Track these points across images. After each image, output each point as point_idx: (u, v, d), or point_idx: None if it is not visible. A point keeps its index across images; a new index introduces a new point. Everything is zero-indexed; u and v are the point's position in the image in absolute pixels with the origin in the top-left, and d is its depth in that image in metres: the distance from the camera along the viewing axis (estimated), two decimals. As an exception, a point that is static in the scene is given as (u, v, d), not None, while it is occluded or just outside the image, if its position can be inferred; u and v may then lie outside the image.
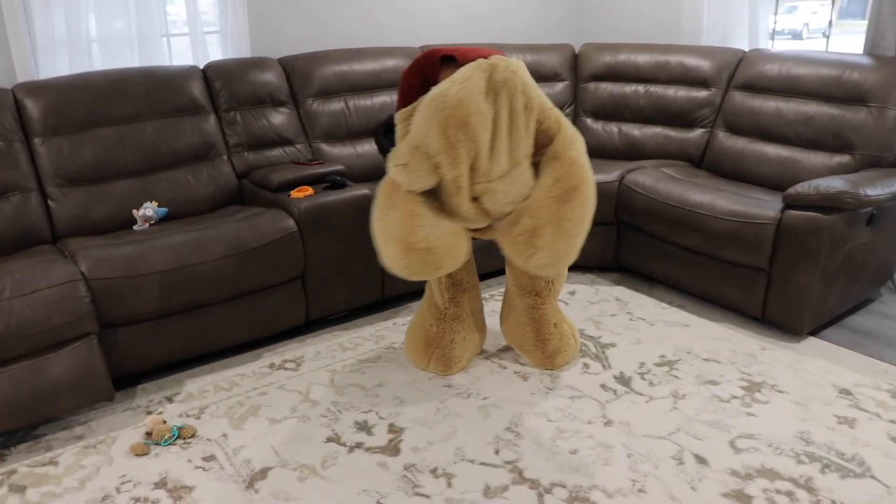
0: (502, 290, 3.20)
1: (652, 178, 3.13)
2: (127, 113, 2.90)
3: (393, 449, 2.12)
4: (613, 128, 3.75)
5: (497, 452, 2.09)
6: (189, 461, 2.09)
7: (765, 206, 2.72)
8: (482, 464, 2.04)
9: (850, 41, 4.25)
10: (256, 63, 3.25)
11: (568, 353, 2.57)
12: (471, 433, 2.19)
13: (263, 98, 3.20)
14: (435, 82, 2.20)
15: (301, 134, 3.29)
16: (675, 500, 1.88)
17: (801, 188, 2.57)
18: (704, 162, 3.49)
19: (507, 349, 2.71)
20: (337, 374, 2.56)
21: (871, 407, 2.26)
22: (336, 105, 3.38)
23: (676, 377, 2.47)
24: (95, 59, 3.04)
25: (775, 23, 3.83)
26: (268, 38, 3.48)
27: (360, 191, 2.84)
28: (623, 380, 2.47)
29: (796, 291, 2.63)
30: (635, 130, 3.68)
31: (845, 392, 2.36)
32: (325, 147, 3.32)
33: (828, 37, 3.73)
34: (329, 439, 2.18)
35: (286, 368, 2.61)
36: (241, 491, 1.95)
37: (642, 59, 3.71)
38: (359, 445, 2.15)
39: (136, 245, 2.45)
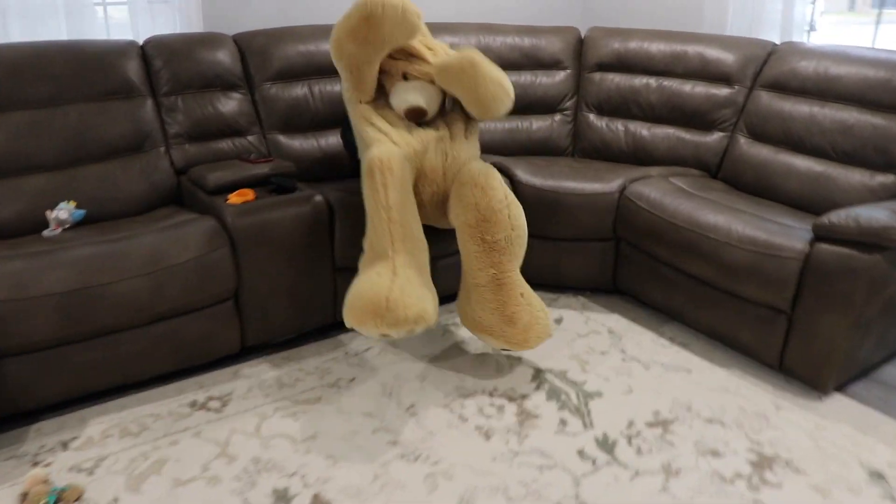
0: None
1: (658, 191, 2.67)
2: (45, 95, 2.48)
3: (311, 533, 1.73)
4: (619, 126, 3.28)
5: (438, 545, 1.69)
6: (60, 539, 1.70)
7: (791, 234, 2.26)
8: (417, 562, 1.64)
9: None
10: (206, 39, 2.81)
11: (540, 328, 2.32)
12: (410, 514, 1.79)
13: (211, 80, 2.77)
14: None
15: (255, 123, 2.86)
16: None
17: (837, 218, 2.11)
18: (722, 171, 3.02)
19: (472, 394, 2.29)
20: (266, 419, 2.15)
21: (909, 500, 1.83)
22: (298, 90, 2.93)
23: (671, 444, 2.05)
24: (12, 29, 2.61)
25: (813, 12, 3.32)
26: (223, 11, 3.03)
27: (311, 196, 2.41)
28: (606, 445, 2.04)
29: (822, 340, 2.18)
30: (644, 130, 3.21)
31: (877, 475, 1.92)
32: (282, 139, 2.89)
33: (810, 31, 3.22)
34: (237, 514, 1.79)
35: (209, 409, 2.21)
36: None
37: (656, 47, 3.22)
38: (271, 525, 1.75)
39: (31, 259, 2.05)
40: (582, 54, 3.42)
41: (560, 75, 3.40)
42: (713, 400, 2.25)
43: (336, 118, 2.98)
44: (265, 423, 2.13)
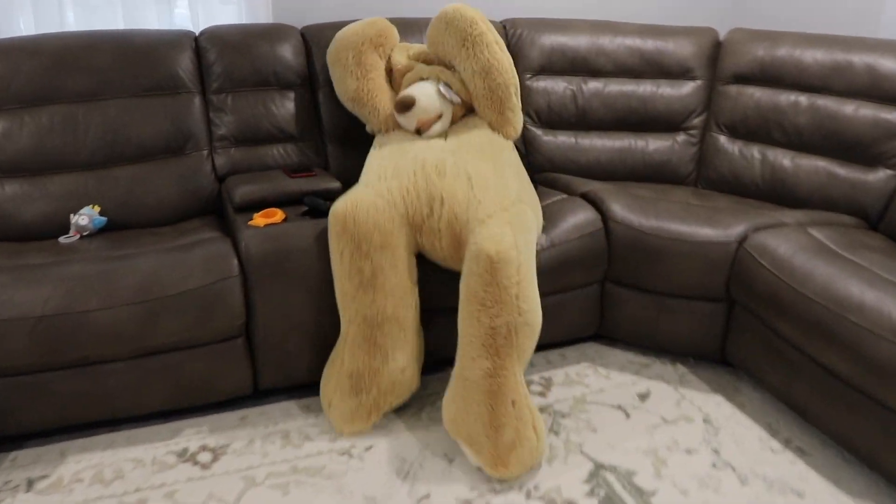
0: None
1: (789, 246, 2.05)
2: (86, 88, 2.29)
3: None
4: (755, 152, 2.64)
5: None
6: None
7: (968, 334, 1.60)
8: None
9: None
10: (269, 31, 2.52)
11: (525, 452, 1.81)
12: None
13: (267, 78, 2.47)
14: None
15: (312, 129, 2.53)
16: None
17: None
18: (884, 222, 2.32)
19: (505, 490, 1.82)
20: (253, 486, 1.82)
21: None
22: (366, 93, 2.57)
23: None
24: (68, 17, 2.44)
25: None
26: (295, 2, 2.72)
27: (343, 223, 2.04)
28: None
29: None
30: (786, 160, 2.56)
31: None
32: (342, 152, 2.54)
33: None
34: None
35: (196, 462, 1.90)
36: None
37: (811, 55, 2.55)
38: None
39: (19, 274, 1.84)
40: (717, 61, 2.80)
41: (688, 86, 2.80)
42: (829, 548, 1.65)
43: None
44: (249, 492, 1.80)
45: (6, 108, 2.22)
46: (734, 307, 2.23)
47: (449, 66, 2.28)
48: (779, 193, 2.56)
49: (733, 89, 2.73)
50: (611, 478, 1.86)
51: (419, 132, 2.19)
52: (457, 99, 2.20)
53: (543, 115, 2.78)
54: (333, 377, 1.99)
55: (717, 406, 2.17)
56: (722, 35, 2.87)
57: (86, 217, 2.18)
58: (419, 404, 2.15)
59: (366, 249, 1.89)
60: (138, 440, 1.99)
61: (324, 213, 2.07)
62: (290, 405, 2.14)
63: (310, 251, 1.99)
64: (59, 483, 1.82)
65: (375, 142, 2.24)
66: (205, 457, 1.93)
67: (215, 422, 2.07)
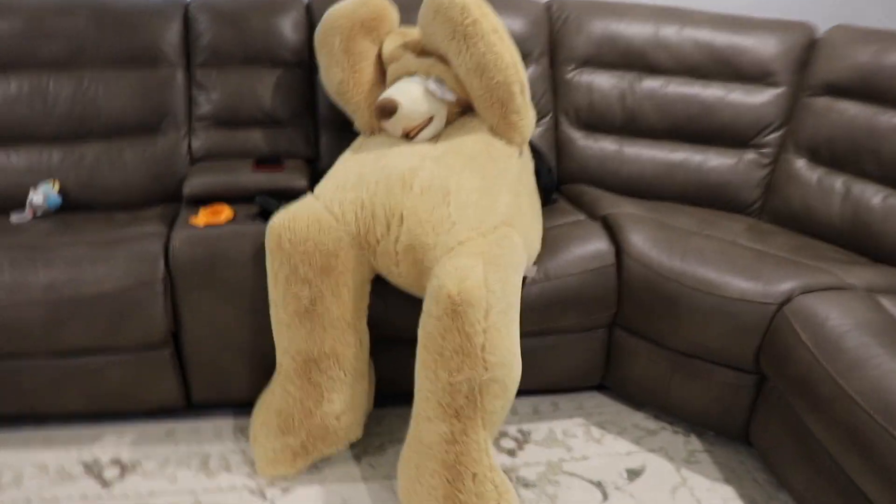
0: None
1: (844, 320, 1.58)
2: (58, 55, 2.11)
3: None
4: (838, 184, 2.12)
5: None
6: None
7: None
8: None
9: None
10: (269, 3, 2.24)
11: None
12: None
13: (257, 54, 2.21)
14: None
15: (304, 113, 2.25)
16: None
17: None
18: None
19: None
20: (139, 526, 1.60)
21: None
22: (372, 77, 2.26)
23: None
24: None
25: None
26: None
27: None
28: None
29: None
30: (876, 199, 2.03)
31: None
32: (335, 141, 2.25)
33: None
34: None
35: (100, 478, 1.72)
36: None
37: (926, 70, 1.99)
38: None
39: (-67, 256, 1.69)
40: (808, 66, 2.27)
41: (765, 94, 2.29)
42: None
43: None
44: (133, 532, 1.58)
45: (-24, 71, 2.08)
46: (763, 383, 1.77)
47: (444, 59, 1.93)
48: (859, 240, 2.04)
49: (822, 102, 2.20)
50: (554, 586, 1.50)
51: (408, 137, 1.87)
52: (451, 97, 1.84)
53: (583, 115, 2.36)
54: (263, 411, 1.73)
55: (726, 499, 1.73)
56: (818, 32, 2.32)
57: (41, 195, 2.01)
58: (362, 447, 1.85)
59: (304, 273, 1.60)
60: (55, 442, 1.82)
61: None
62: (224, 424, 1.91)
63: (247, 262, 1.73)
64: (-50, 486, 1.68)
65: (354, 143, 1.93)
66: (111, 472, 1.73)
67: (141, 432, 1.87)
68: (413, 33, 1.99)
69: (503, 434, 1.92)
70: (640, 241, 1.90)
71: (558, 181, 2.38)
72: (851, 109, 2.12)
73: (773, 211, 2.26)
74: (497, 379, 1.47)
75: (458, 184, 1.66)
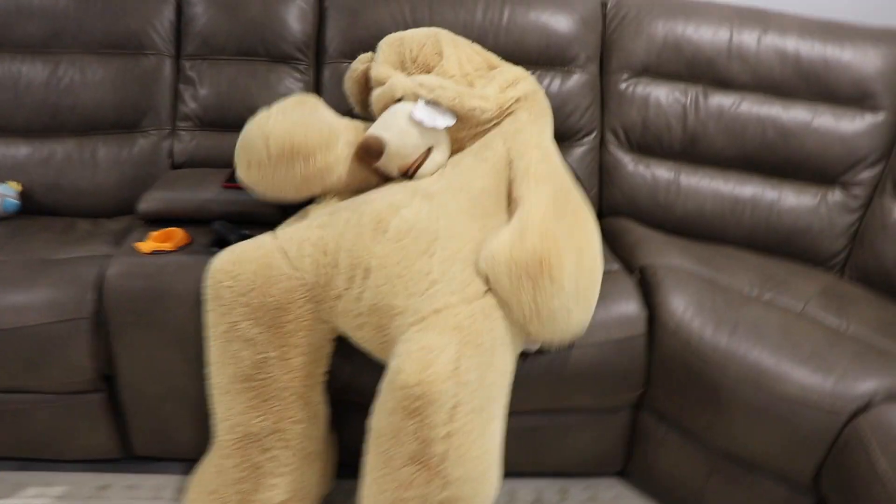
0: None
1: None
2: (35, 37, 1.88)
3: None
4: (950, 246, 1.66)
5: None
6: None
7: None
8: None
9: None
10: (274, -13, 1.94)
11: None
12: None
13: (253, 46, 1.91)
14: None
15: (305, 117, 1.94)
16: None
17: None
18: None
19: None
20: None
21: None
22: (383, 78, 1.93)
23: None
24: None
25: None
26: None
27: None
28: None
29: None
30: None
31: None
32: (337, 148, 1.94)
33: None
34: None
35: (5, 545, 1.49)
36: None
37: None
38: None
39: None
40: (923, 90, 1.80)
41: (862, 121, 1.84)
42: None
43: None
44: None
45: (-54, 54, 1.87)
46: (825, 509, 1.37)
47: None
48: (972, 322, 1.58)
49: (937, 137, 1.74)
50: None
51: (407, 176, 1.55)
52: (444, 122, 1.50)
53: (635, 134, 1.97)
54: (197, 486, 1.45)
55: None
56: (944, 46, 1.84)
57: (-2, 196, 1.79)
58: None
59: (245, 331, 1.31)
60: (-27, 487, 1.61)
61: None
62: (166, 482, 1.64)
63: (192, 301, 1.44)
64: None
65: None
66: (22, 537, 1.50)
67: (72, 483, 1.63)
68: (408, 41, 1.66)
69: (493, 524, 1.59)
70: (681, 307, 1.51)
71: (599, 213, 2.00)
72: (977, 150, 1.66)
73: (860, 267, 1.82)
74: (460, 498, 1.14)
75: (448, 230, 1.33)
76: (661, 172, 1.96)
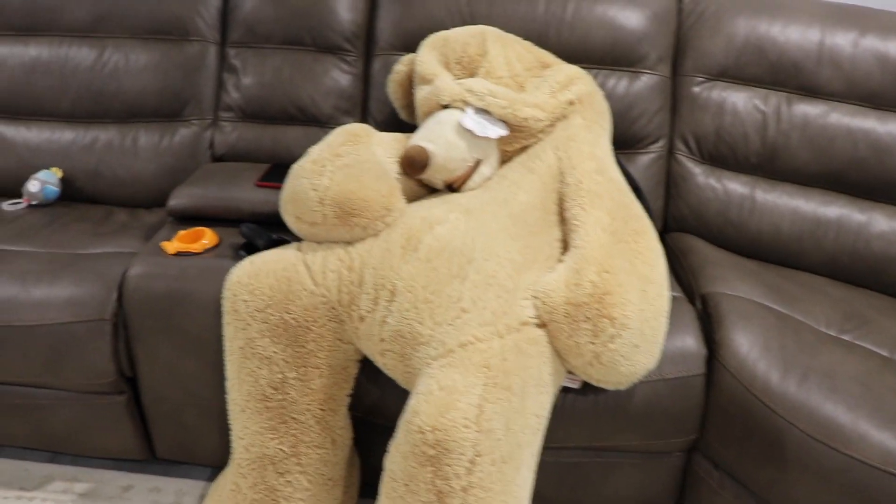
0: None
1: None
2: (82, 21, 1.84)
3: None
4: None
5: None
6: None
7: None
8: None
9: None
10: (325, -29, 1.84)
11: None
12: None
13: (300, 35, 1.82)
14: None
15: (351, 111, 1.84)
16: None
17: None
18: None
19: None
20: None
21: None
22: (434, 73, 1.81)
23: None
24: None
25: None
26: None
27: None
28: None
29: None
30: None
31: None
32: (383, 145, 1.83)
33: None
34: None
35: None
36: None
37: None
38: None
39: None
40: None
41: (974, 141, 1.62)
42: None
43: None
44: None
45: (-4, 34, 1.85)
46: None
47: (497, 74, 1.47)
48: None
49: None
50: None
51: (452, 189, 1.43)
52: (496, 132, 1.38)
53: (708, 144, 1.79)
54: (214, 502, 1.38)
55: None
56: None
57: (38, 183, 1.76)
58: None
59: (263, 348, 1.23)
60: (3, 473, 1.59)
61: (258, 250, 1.42)
62: (188, 487, 1.59)
63: (213, 308, 1.37)
64: None
65: None
66: (41, 535, 1.47)
67: (96, 481, 1.59)
68: (451, 41, 1.54)
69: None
70: (745, 346, 1.35)
71: (663, 228, 1.84)
72: None
73: (962, 310, 1.60)
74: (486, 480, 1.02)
75: (485, 251, 1.20)
76: (735, 187, 1.78)
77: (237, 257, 1.41)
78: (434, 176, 1.40)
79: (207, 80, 1.84)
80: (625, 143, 1.79)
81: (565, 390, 1.32)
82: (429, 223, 1.24)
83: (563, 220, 1.36)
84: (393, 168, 1.38)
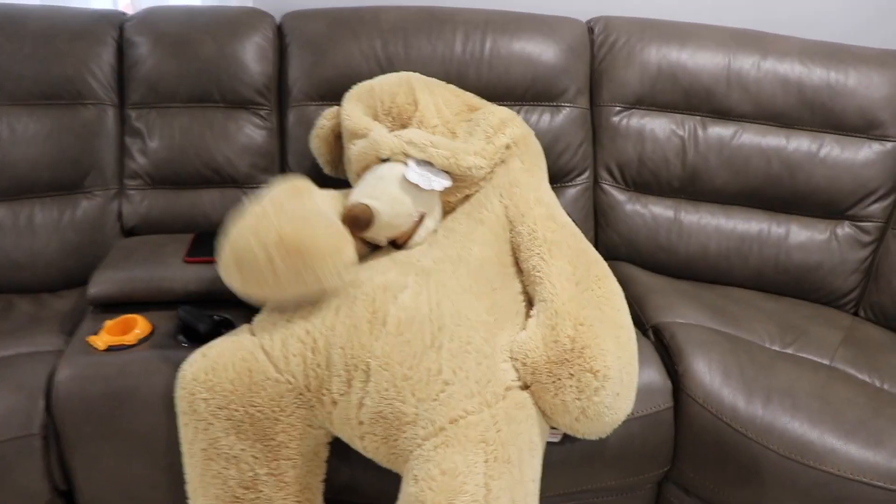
0: None
1: None
2: (-46, 87, 1.64)
3: None
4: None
5: None
6: None
7: None
8: None
9: None
10: (227, 20, 1.74)
11: None
12: None
13: (208, 91, 1.70)
14: None
15: (269, 169, 1.75)
16: None
17: None
18: None
19: None
20: None
21: None
22: (356, 122, 1.74)
23: None
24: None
25: None
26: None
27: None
28: None
29: None
30: None
31: None
32: (310, 200, 1.75)
33: None
34: None
35: None
36: None
37: None
38: None
39: None
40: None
41: (870, 150, 1.75)
42: None
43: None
44: None
45: None
46: None
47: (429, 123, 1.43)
48: None
49: (953, 168, 1.64)
50: None
51: (396, 245, 1.38)
52: (441, 185, 1.34)
53: (631, 171, 1.83)
54: None
55: None
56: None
57: (-81, 278, 1.54)
58: None
59: (229, 447, 1.12)
60: None
61: (201, 340, 1.30)
62: None
63: (160, 405, 1.24)
64: None
65: None
66: None
67: None
68: (378, 91, 1.49)
69: None
70: (708, 374, 1.38)
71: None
72: None
73: (876, 305, 1.72)
74: None
75: (454, 315, 1.16)
76: (660, 211, 1.83)
77: (179, 346, 1.29)
78: (378, 233, 1.35)
79: (108, 146, 1.69)
80: (552, 178, 1.78)
81: (547, 444, 1.30)
82: (392, 292, 1.18)
83: (519, 271, 1.34)
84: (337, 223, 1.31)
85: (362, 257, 1.38)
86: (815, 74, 1.76)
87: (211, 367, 1.13)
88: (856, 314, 1.77)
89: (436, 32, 1.76)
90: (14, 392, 1.25)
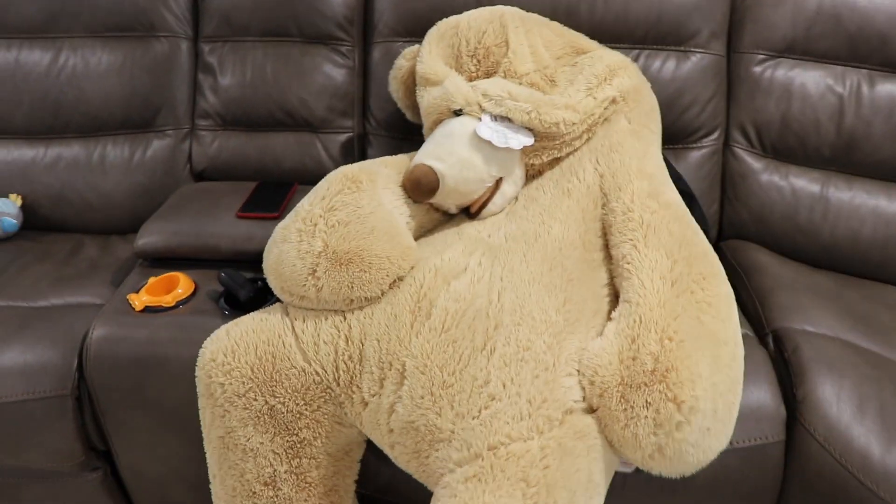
0: None
1: None
2: (32, 20, 1.58)
3: None
4: None
5: None
6: None
7: None
8: None
9: None
10: (311, -54, 1.55)
11: None
12: None
13: (284, 24, 1.55)
14: None
15: (348, 111, 1.58)
16: None
17: None
18: None
19: None
20: None
21: None
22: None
23: None
24: None
25: None
26: None
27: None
28: None
29: None
30: None
31: None
32: (391, 151, 1.57)
33: None
34: None
35: None
36: None
37: None
38: None
39: None
40: None
41: None
42: None
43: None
44: None
45: (-63, 39, 1.60)
46: None
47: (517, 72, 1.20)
48: None
49: None
50: None
51: (469, 214, 1.19)
52: (520, 142, 1.12)
53: (770, 134, 1.51)
54: None
55: None
56: None
57: (-10, 214, 1.53)
58: None
59: (246, 439, 1.01)
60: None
61: (242, 307, 1.18)
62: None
63: (192, 376, 1.14)
64: None
65: None
66: None
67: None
68: (463, 29, 1.26)
69: None
70: (834, 405, 1.10)
71: (718, 235, 1.57)
72: None
73: None
74: None
75: (515, 311, 0.97)
76: (804, 185, 1.50)
77: (220, 313, 1.18)
78: (445, 200, 1.16)
79: (181, 82, 1.58)
80: (672, 138, 1.52)
81: (616, 472, 1.09)
82: (443, 277, 1.00)
83: (608, 258, 1.11)
84: (405, 214, 1.14)
85: (430, 230, 1.21)
86: None
87: (231, 348, 1.01)
88: None
89: None
90: (49, 348, 1.19)
